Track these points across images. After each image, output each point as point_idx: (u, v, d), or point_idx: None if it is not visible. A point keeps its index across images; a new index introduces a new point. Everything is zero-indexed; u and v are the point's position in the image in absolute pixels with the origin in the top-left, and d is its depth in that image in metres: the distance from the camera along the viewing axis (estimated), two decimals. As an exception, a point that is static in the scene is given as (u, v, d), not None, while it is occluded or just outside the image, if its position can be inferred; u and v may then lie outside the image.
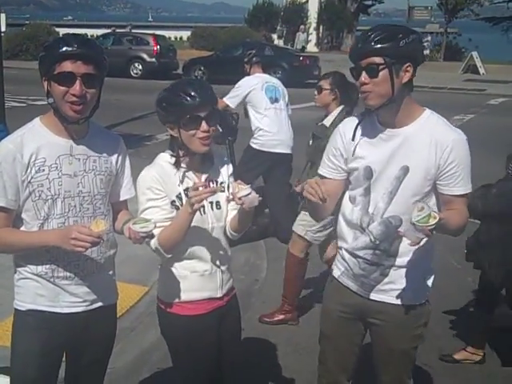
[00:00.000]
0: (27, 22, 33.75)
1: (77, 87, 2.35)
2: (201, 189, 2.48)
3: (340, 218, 2.80)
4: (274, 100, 6.36)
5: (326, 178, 2.76)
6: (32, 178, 2.42)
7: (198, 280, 2.73)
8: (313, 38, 36.10)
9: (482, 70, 26.64)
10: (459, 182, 2.58)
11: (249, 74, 6.55)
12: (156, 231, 2.51)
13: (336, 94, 4.60)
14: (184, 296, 2.73)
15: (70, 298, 2.57)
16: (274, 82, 6.60)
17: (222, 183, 2.76)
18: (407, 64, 2.50)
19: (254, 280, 5.66)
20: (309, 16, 35.97)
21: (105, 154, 2.61)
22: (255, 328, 4.68)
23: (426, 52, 32.34)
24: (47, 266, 2.50)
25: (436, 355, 4.42)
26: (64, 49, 2.35)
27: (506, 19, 36.91)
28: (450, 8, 31.81)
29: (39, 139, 2.46)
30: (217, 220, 2.72)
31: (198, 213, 2.61)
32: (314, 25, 36.06)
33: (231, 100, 6.43)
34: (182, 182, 2.67)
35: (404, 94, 2.55)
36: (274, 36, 35.19)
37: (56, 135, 2.48)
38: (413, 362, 2.88)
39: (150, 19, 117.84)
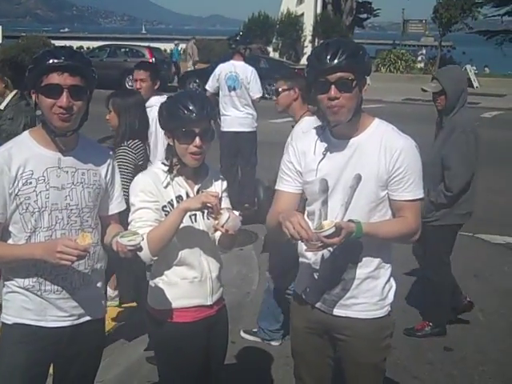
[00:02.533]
0: (23, 34, 33.76)
1: (63, 99, 2.36)
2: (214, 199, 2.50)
3: None
4: (232, 89, 7.61)
5: (282, 192, 2.77)
6: (19, 190, 2.42)
7: (187, 287, 2.74)
8: (308, 50, 36.20)
9: (475, 84, 26.76)
10: (408, 187, 2.59)
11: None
12: (145, 230, 2.53)
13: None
14: (173, 303, 2.73)
15: (56, 312, 2.56)
16: (239, 72, 7.66)
17: None
18: (365, 78, 2.57)
19: (246, 293, 5.64)
20: (304, 29, 36.11)
21: (94, 167, 2.61)
22: (246, 341, 4.68)
23: (421, 65, 32.55)
24: (34, 280, 2.50)
25: (426, 369, 4.41)
26: (51, 61, 2.36)
27: (500, 32, 37.15)
28: (445, 21, 31.94)
29: (27, 152, 2.46)
30: (207, 229, 2.74)
31: (189, 220, 2.66)
32: (309, 37, 36.19)
33: (208, 85, 7.90)
34: (174, 189, 2.69)
35: (361, 106, 2.59)
36: (270, 49, 35.31)
37: (44, 147, 2.49)
38: (383, 373, 2.87)
39: (144, 31, 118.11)
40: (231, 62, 7.84)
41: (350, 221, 2.48)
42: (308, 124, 4.16)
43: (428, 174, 4.46)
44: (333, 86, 2.48)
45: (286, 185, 2.77)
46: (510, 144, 13.59)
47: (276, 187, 2.83)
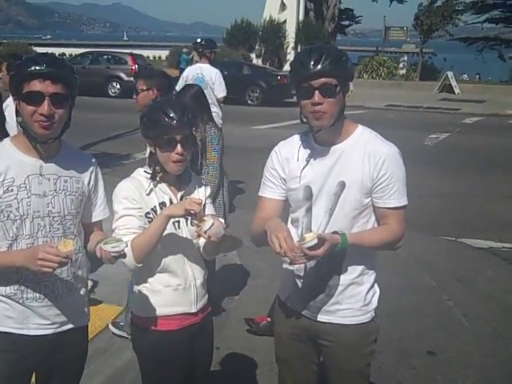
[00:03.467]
0: (5, 40, 33.58)
1: (45, 107, 2.34)
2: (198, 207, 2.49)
3: None
4: None
5: (266, 198, 2.78)
6: (0, 198, 2.40)
7: (171, 295, 2.72)
8: (291, 57, 36.32)
9: (457, 90, 27.04)
10: (393, 194, 2.59)
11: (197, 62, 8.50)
12: (129, 237, 2.52)
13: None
14: (157, 311, 2.72)
15: (38, 320, 2.53)
16: (205, 73, 8.15)
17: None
18: (349, 83, 2.57)
19: (230, 299, 5.63)
20: (287, 36, 36.25)
21: (76, 174, 2.59)
22: (230, 347, 4.66)
23: (403, 72, 32.80)
24: (16, 287, 2.47)
25: (410, 374, 4.43)
26: (32, 68, 2.33)
27: (481, 39, 37.60)
28: (426, 28, 32.25)
29: (8, 159, 2.44)
30: (191, 235, 2.73)
31: (172, 227, 2.65)
32: (291, 44, 36.32)
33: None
34: (157, 196, 2.68)
35: (344, 112, 2.60)
36: (253, 55, 35.38)
37: (25, 154, 2.46)
38: (367, 379, 2.86)
39: (126, 38, 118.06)
40: (198, 64, 8.49)
41: (334, 232, 2.48)
42: None
43: None
44: (316, 92, 2.47)
45: (270, 191, 2.77)
46: (490, 149, 13.75)
47: (260, 194, 2.82)
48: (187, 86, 5.26)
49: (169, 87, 4.62)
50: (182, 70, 26.00)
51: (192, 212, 2.49)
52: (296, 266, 2.67)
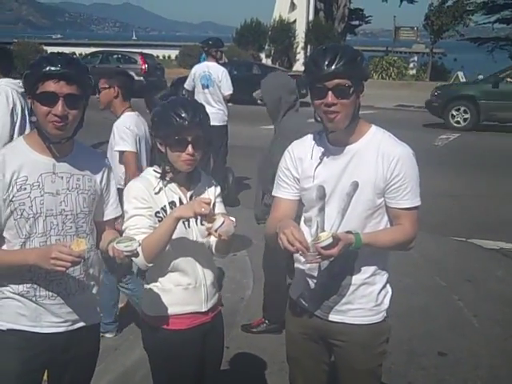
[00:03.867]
0: (15, 40, 33.70)
1: (59, 107, 2.34)
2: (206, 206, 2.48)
3: None
4: (206, 86, 8.52)
5: (280, 198, 2.78)
6: (14, 196, 2.41)
7: (182, 294, 2.73)
8: (300, 57, 36.33)
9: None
10: (406, 194, 2.58)
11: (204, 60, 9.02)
12: (139, 237, 2.51)
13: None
14: (168, 310, 2.72)
15: (51, 318, 2.55)
16: (212, 71, 8.48)
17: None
18: (363, 84, 2.56)
19: (240, 298, 5.63)
20: (296, 36, 36.22)
21: (89, 173, 2.60)
22: (240, 346, 4.67)
23: (413, 72, 32.70)
24: (29, 285, 2.49)
25: (420, 374, 4.42)
26: (47, 68, 2.33)
27: (491, 40, 37.39)
28: (436, 28, 32.13)
29: (21, 157, 2.45)
30: (201, 235, 2.73)
31: (182, 226, 2.65)
32: (301, 44, 36.29)
33: (186, 84, 8.83)
34: (167, 195, 2.69)
35: (358, 112, 2.59)
36: (262, 55, 35.38)
37: (39, 153, 2.48)
38: (379, 379, 2.86)
39: (134, 37, 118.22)
40: (205, 63, 8.79)
41: (348, 232, 2.47)
42: (129, 119, 4.47)
43: (262, 176, 4.59)
44: (330, 92, 2.46)
45: (284, 191, 2.77)
46: (501, 149, 13.68)
47: (273, 194, 2.82)
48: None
49: (131, 85, 4.72)
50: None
51: (201, 214, 2.49)
52: (308, 265, 2.67)
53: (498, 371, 4.50)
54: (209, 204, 2.50)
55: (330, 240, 2.34)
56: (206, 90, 8.56)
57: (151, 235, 2.58)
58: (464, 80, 26.21)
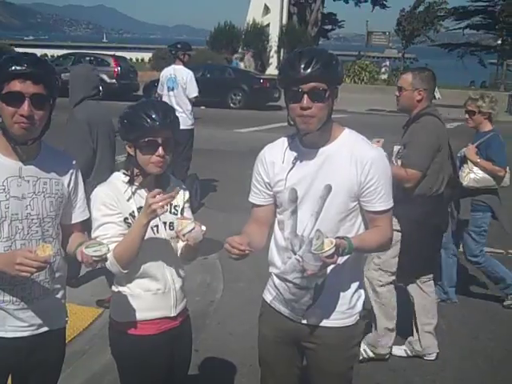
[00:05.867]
0: (-15, 41, 33.25)
1: (25, 107, 2.31)
2: (158, 196, 2.46)
3: (272, 243, 2.79)
4: (171, 89, 8.68)
5: (253, 204, 2.81)
6: None
7: (151, 299, 2.71)
8: (274, 60, 36.45)
9: (437, 95, 27.12)
10: (381, 197, 2.61)
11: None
12: (111, 246, 2.50)
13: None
14: (137, 315, 2.71)
15: (15, 323, 2.51)
16: (177, 74, 8.64)
17: (175, 206, 2.77)
18: (338, 87, 2.58)
19: (210, 301, 5.63)
20: (270, 39, 36.34)
21: (56, 176, 2.57)
22: (209, 349, 4.66)
23: (385, 76, 33.00)
24: (-8, 290, 2.45)
25: (389, 376, 4.46)
26: (13, 68, 2.30)
27: (462, 45, 37.96)
28: (407, 34, 32.53)
29: None
30: (170, 240, 2.72)
31: (151, 231, 2.63)
32: (275, 48, 36.41)
33: (158, 88, 8.99)
34: (135, 200, 2.66)
35: (331, 115, 2.60)
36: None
37: (4, 156, 2.44)
38: (350, 382, 2.88)
39: (105, 40, 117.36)
40: (172, 66, 8.90)
41: (339, 238, 2.46)
42: None
43: None
44: (305, 96, 2.46)
45: (255, 197, 2.80)
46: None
47: (249, 199, 2.84)
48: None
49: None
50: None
51: (158, 210, 2.45)
52: (282, 268, 2.70)
53: (465, 372, 4.56)
54: (157, 194, 2.46)
55: (334, 249, 2.34)
56: (171, 93, 8.69)
57: (123, 242, 2.56)
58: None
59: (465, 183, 5.29)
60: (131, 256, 2.56)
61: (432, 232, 4.45)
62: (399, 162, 4.31)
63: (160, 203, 2.44)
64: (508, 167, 5.48)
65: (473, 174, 5.39)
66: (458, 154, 5.38)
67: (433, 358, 4.64)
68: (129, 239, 2.55)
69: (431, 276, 4.69)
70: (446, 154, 4.40)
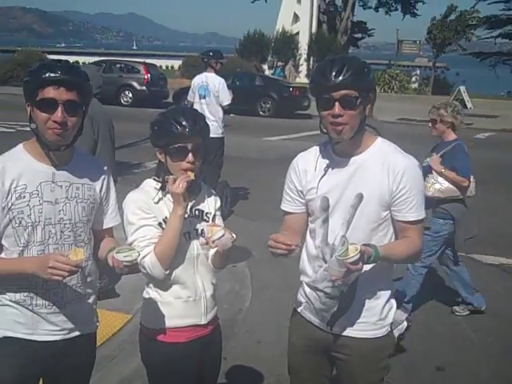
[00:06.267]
0: (19, 48, 33.82)
1: (58, 114, 2.34)
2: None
3: (303, 252, 2.77)
4: (203, 97, 8.66)
5: (285, 212, 2.79)
6: (12, 204, 2.40)
7: (181, 306, 2.71)
8: (303, 69, 36.49)
9: (469, 105, 26.93)
10: (412, 207, 2.58)
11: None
12: (149, 249, 2.53)
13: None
14: (167, 322, 2.70)
15: (48, 327, 2.54)
16: (209, 82, 8.62)
17: (207, 213, 2.77)
18: (369, 96, 2.56)
19: (238, 309, 5.61)
20: (299, 47, 36.38)
21: (88, 182, 2.60)
22: (238, 358, 4.64)
23: (415, 86, 32.80)
24: (26, 294, 2.48)
25: None
26: (47, 74, 2.33)
27: (494, 54, 37.56)
28: (439, 42, 32.29)
29: (21, 165, 2.45)
30: (202, 247, 2.72)
31: (183, 238, 2.64)
32: (304, 56, 36.44)
33: (189, 96, 8.98)
34: (167, 205, 2.67)
35: (364, 124, 2.58)
36: (265, 66, 35.51)
37: (38, 161, 2.47)
38: None
39: (135, 47, 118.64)
40: (204, 73, 8.81)
41: (365, 245, 2.44)
42: None
43: None
44: (337, 103, 2.46)
45: (287, 205, 2.79)
46: (503, 165, 13.67)
47: (281, 207, 2.83)
48: None
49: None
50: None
51: (183, 188, 2.53)
52: (313, 277, 2.68)
53: None
54: (174, 180, 2.56)
55: (358, 255, 2.32)
56: (203, 101, 8.64)
57: (163, 239, 2.58)
58: (466, 94, 26.28)
59: (429, 194, 5.11)
60: (172, 252, 2.58)
61: None
62: None
63: (180, 185, 2.52)
64: (472, 176, 5.36)
65: (438, 185, 5.25)
66: (423, 164, 5.17)
67: None
68: (169, 234, 2.58)
69: None
70: None
